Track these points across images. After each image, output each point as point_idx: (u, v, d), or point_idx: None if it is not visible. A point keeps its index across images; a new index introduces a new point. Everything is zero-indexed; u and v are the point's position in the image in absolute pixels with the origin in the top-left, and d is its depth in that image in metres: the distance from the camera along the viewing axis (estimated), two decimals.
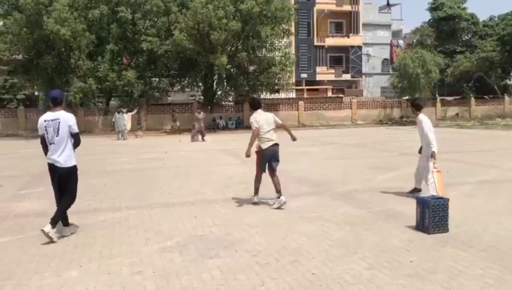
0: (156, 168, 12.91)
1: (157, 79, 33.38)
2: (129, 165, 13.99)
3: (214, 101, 33.51)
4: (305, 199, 8.13)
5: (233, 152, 17.03)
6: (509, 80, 47.30)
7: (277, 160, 7.64)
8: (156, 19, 31.04)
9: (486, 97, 41.44)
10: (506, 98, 41.50)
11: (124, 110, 26.17)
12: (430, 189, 7.45)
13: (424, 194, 7.16)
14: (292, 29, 36.36)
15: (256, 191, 7.73)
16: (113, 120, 25.95)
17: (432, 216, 5.80)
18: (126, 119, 25.49)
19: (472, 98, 40.44)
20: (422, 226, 5.92)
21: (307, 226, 6.32)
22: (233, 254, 5.17)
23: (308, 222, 6.50)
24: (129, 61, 32.02)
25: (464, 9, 46.82)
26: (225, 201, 8.13)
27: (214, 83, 32.97)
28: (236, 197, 8.33)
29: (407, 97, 38.54)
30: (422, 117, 7.91)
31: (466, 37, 47.32)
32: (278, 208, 7.31)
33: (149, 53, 29.95)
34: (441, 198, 6.11)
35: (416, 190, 8.04)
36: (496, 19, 47.09)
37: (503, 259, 4.80)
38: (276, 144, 7.55)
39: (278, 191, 7.43)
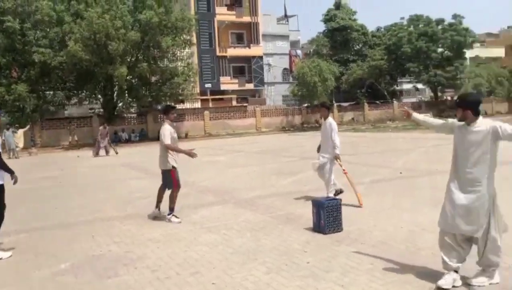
0: (50, 187, 12.13)
1: (51, 92, 31.43)
2: (20, 185, 12.96)
3: (115, 113, 32.36)
4: (209, 209, 8.12)
5: (136, 165, 16.54)
6: (397, 86, 51.47)
7: None
8: (48, 30, 29.33)
9: (377, 102, 44.68)
10: (395, 102, 45.08)
11: (15, 127, 24.29)
12: (330, 190, 7.84)
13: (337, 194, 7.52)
14: (194, 40, 36.38)
15: (158, 204, 7.56)
16: (3, 138, 23.93)
17: (327, 217, 6.10)
18: (18, 136, 23.68)
19: (365, 104, 43.36)
20: (319, 227, 6.20)
21: (210, 236, 6.32)
22: (133, 272, 5.01)
23: (211, 232, 6.50)
24: (19, 74, 29.83)
25: (354, 20, 50.11)
26: (126, 217, 7.86)
27: (115, 94, 31.86)
28: (138, 213, 8.09)
29: (306, 105, 40.29)
30: (331, 120, 8.18)
31: (358, 47, 50.68)
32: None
33: (41, 65, 28.18)
34: (335, 199, 6.46)
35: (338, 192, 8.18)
36: (382, 30, 51.06)
37: (389, 252, 5.18)
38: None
39: (172, 209, 7.32)
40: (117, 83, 29.83)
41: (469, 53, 48.99)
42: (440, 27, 44.58)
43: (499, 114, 46.28)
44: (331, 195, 7.81)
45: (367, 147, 19.50)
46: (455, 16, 44.68)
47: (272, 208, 7.93)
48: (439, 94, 48.28)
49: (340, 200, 6.43)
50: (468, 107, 4.08)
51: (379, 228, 6.24)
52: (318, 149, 8.46)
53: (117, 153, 21.70)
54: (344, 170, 7.93)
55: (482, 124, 4.06)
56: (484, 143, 4.00)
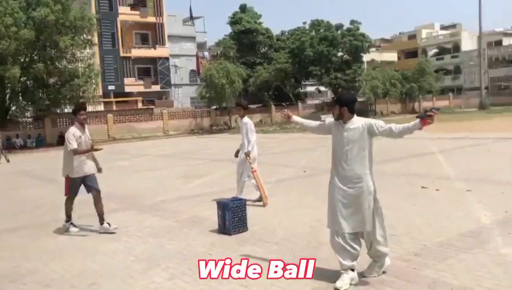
0: None
1: None
2: None
3: (8, 118, 29.88)
4: (111, 216, 7.70)
5: (32, 173, 15.37)
6: (301, 88, 53.37)
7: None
8: None
9: (283, 104, 45.94)
10: (300, 104, 46.72)
11: None
12: (257, 190, 7.88)
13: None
14: (96, 40, 34.75)
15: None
16: None
17: (232, 217, 6.08)
18: None
19: (272, 106, 44.39)
20: (224, 228, 6.17)
21: (110, 244, 6.01)
22: (21, 288, 4.59)
23: (112, 240, 6.18)
24: None
25: (260, 23, 51.11)
26: (17, 229, 7.22)
27: (7, 97, 29.39)
28: (31, 224, 7.48)
29: (215, 107, 40.29)
30: (247, 119, 8.11)
31: (264, 50, 51.73)
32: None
33: None
34: (240, 199, 6.46)
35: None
36: (286, 34, 52.65)
37: (292, 249, 5.29)
38: None
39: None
40: (9, 85, 27.57)
41: (366, 57, 52.23)
42: (339, 32, 46.99)
43: (393, 114, 49.88)
44: (240, 195, 7.80)
45: (274, 147, 19.92)
46: (352, 22, 47.37)
47: (177, 212, 7.75)
48: None
49: (245, 200, 6.45)
50: (345, 105, 4.23)
51: (283, 226, 6.36)
52: (236, 154, 8.37)
53: (8, 161, 19.96)
54: (253, 168, 7.96)
55: (358, 121, 4.23)
56: (360, 139, 4.18)
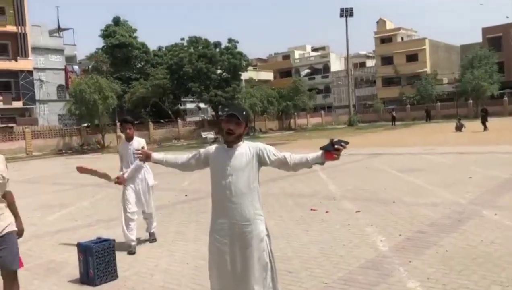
0: None
1: None
2: None
3: None
4: None
5: None
6: (181, 105, 52.23)
7: None
8: None
9: (162, 121, 44.38)
10: (179, 121, 45.54)
11: None
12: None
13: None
14: None
15: None
16: None
17: (97, 263, 4.89)
18: None
19: (150, 123, 42.59)
20: (87, 278, 4.94)
21: None
22: None
23: None
24: None
25: (135, 38, 49.11)
26: None
27: None
28: None
29: (86, 124, 37.41)
30: (139, 138, 6.62)
31: (140, 65, 49.76)
32: None
33: None
34: (106, 240, 5.27)
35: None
36: (164, 49, 51.30)
37: None
38: None
39: None
40: None
41: (244, 75, 52.99)
42: (217, 50, 47.01)
43: (271, 131, 51.23)
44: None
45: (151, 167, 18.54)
46: (230, 40, 47.74)
47: (30, 256, 6.24)
48: (220, 113, 50.78)
49: (114, 241, 5.28)
50: (245, 120, 3.19)
51: (162, 269, 5.31)
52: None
53: None
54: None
55: (244, 144, 3.21)
56: (249, 168, 3.15)
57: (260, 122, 51.50)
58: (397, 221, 6.60)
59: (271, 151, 3.20)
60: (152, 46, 52.04)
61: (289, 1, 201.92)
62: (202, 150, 3.41)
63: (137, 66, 49.47)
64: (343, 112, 61.37)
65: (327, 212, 7.59)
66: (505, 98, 49.92)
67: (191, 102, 57.08)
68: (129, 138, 6.36)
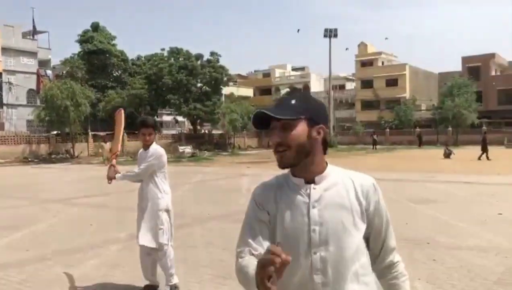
0: None
1: None
2: None
3: None
4: None
5: None
6: (157, 116, 50.28)
7: None
8: None
9: (136, 132, 42.32)
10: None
11: None
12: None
13: None
14: None
15: None
16: None
17: None
18: None
19: (125, 134, 40.49)
20: None
21: None
22: None
23: None
24: None
25: (114, 45, 47.22)
26: None
27: None
28: None
29: (56, 132, 35.18)
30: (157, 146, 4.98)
31: (117, 73, 47.79)
32: None
33: None
34: None
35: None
36: (143, 58, 49.52)
37: None
38: None
39: None
40: None
41: (225, 90, 51.55)
42: (199, 62, 45.55)
43: (250, 148, 49.71)
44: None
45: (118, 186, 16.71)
46: (212, 54, 46.37)
47: None
48: (198, 127, 49.06)
49: None
50: (304, 113, 1.56)
51: None
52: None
53: None
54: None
55: (333, 172, 1.65)
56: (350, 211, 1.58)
57: (239, 138, 49.96)
58: (450, 274, 5.09)
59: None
60: (131, 55, 50.11)
61: (268, 20, 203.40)
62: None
63: (114, 74, 47.46)
64: None
65: None
66: (484, 127, 49.94)
67: (168, 114, 55.18)
68: (147, 146, 4.79)
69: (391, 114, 57.86)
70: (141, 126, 4.75)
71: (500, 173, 16.91)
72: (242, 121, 45.24)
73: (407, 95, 60.71)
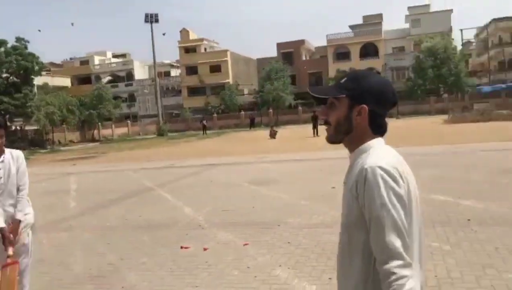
0: None
1: None
2: None
3: None
4: None
5: None
6: None
7: None
8: None
9: None
10: None
11: None
12: None
13: None
14: None
15: None
16: None
17: None
18: None
19: None
20: None
21: None
22: None
23: None
24: None
25: None
26: None
27: None
28: None
29: None
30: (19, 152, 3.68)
31: None
32: None
33: None
34: None
35: None
36: None
37: None
38: None
39: None
40: None
41: (37, 80, 46.28)
42: (2, 49, 39.88)
43: (73, 143, 45.86)
44: None
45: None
46: (19, 39, 41.01)
47: None
48: (8, 123, 43.15)
49: None
50: (344, 91, 1.59)
51: None
52: None
53: None
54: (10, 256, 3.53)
55: (363, 155, 1.60)
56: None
57: (59, 134, 45.60)
58: (308, 256, 5.09)
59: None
60: None
61: (82, 3, 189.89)
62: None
63: None
64: (150, 121, 59.15)
65: (205, 249, 5.67)
66: (300, 108, 54.64)
67: None
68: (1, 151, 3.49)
69: (217, 99, 59.44)
70: None
71: (321, 149, 18.45)
72: (61, 114, 41.30)
73: (230, 80, 62.92)
